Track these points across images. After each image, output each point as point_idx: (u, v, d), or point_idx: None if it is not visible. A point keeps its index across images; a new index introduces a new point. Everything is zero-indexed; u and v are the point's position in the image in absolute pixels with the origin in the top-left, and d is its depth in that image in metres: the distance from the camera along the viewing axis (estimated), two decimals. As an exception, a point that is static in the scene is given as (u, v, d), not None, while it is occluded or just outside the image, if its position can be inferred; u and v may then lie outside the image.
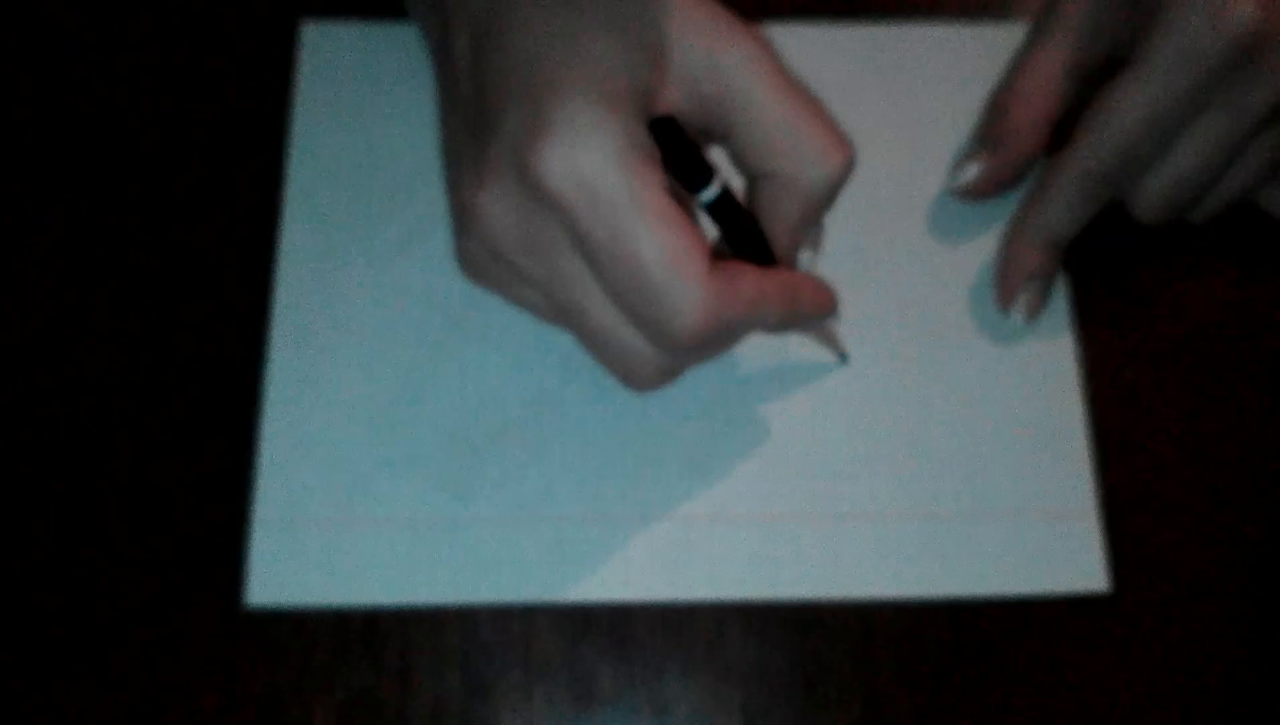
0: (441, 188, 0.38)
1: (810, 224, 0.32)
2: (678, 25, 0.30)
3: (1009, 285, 0.37)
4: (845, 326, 0.38)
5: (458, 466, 0.36)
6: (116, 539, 0.35)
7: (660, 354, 0.30)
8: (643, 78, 0.29)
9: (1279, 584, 0.35)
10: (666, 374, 0.32)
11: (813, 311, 0.33)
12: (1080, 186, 0.36)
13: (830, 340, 0.37)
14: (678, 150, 0.30)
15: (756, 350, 0.37)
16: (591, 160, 0.28)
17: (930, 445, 0.36)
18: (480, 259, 0.31)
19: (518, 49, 0.29)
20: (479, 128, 0.30)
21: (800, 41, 0.41)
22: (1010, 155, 0.38)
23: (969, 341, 0.38)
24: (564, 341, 0.37)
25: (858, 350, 0.37)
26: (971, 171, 0.38)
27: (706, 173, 0.30)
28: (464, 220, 0.31)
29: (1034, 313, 0.37)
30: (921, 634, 0.34)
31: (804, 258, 0.34)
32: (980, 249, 0.39)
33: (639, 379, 0.32)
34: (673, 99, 0.30)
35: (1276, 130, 0.36)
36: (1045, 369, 0.37)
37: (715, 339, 0.30)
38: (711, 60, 0.30)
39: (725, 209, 0.31)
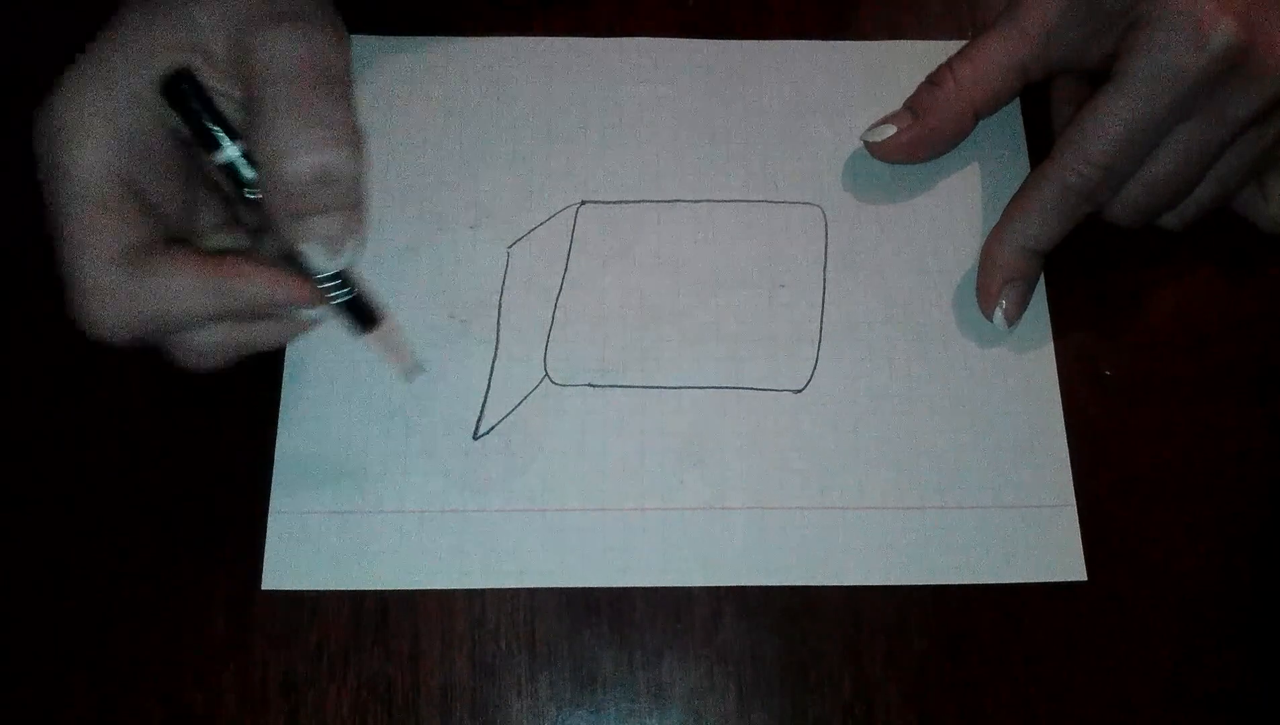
0: (447, 193, 0.40)
1: (298, 213, 0.30)
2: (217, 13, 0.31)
3: (990, 291, 0.38)
4: (839, 329, 0.39)
5: (464, 461, 0.37)
6: (149, 529, 0.36)
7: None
8: (166, 57, 0.30)
9: (1241, 571, 0.36)
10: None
11: (262, 304, 0.31)
12: (1061, 198, 0.36)
13: (393, 352, 0.35)
14: (187, 110, 0.30)
15: (750, 349, 0.38)
16: (57, 128, 0.30)
17: (918, 442, 0.37)
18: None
19: None
20: None
21: (798, 57, 0.42)
22: (927, 129, 0.38)
23: (955, 344, 0.39)
24: (567, 342, 0.38)
25: (849, 351, 0.38)
26: (887, 131, 0.39)
27: (212, 138, 0.31)
28: None
29: (1013, 318, 0.38)
30: (908, 619, 0.36)
31: (310, 250, 0.31)
32: (967, 255, 0.40)
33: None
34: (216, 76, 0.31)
35: (1252, 137, 0.36)
36: (1027, 370, 0.38)
37: (131, 326, 0.30)
38: (243, 42, 0.30)
39: (233, 177, 0.31)
